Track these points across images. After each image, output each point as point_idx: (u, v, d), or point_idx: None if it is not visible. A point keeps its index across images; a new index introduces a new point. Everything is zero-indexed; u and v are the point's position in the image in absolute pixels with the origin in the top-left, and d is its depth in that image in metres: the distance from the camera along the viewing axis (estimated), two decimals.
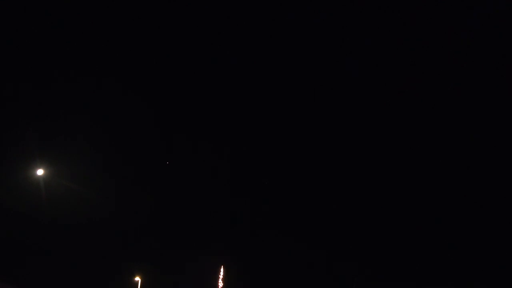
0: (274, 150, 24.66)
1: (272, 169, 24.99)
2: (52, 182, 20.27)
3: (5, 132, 20.08)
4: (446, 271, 22.24)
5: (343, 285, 23.13)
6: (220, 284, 24.31)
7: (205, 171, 24.82)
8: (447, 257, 22.33)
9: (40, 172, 19.77)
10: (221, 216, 24.92)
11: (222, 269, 24.52)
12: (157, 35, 21.59)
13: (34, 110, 20.53)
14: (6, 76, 19.90)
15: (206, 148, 24.51)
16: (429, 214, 23.02)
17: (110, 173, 22.60)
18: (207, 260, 24.25)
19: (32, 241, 20.35)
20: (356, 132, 23.75)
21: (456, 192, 22.41)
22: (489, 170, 21.82)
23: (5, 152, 20.07)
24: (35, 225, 20.24)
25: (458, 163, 22.37)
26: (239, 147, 24.71)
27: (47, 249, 20.70)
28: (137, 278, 23.08)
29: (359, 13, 20.80)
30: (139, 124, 23.18)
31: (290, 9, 20.93)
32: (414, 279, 22.48)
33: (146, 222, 23.72)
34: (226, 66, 22.81)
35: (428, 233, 22.84)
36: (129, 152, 23.47)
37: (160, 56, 22.26)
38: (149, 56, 22.08)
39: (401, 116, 22.83)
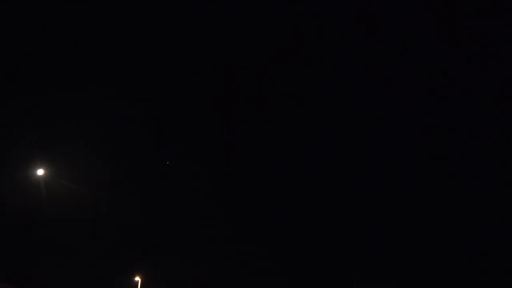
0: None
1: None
2: (52, 182, 20.27)
3: (6, 132, 20.09)
4: (444, 272, 22.26)
5: (343, 285, 23.18)
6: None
7: (203, 171, 24.84)
8: (445, 258, 22.35)
9: (40, 172, 19.77)
10: (220, 216, 24.96)
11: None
12: (152, 40, 21.62)
13: (34, 110, 20.54)
14: (7, 76, 19.91)
15: (204, 149, 24.55)
16: (428, 215, 23.06)
17: (110, 173, 22.63)
18: (206, 260, 24.29)
19: (32, 241, 20.35)
20: None
21: (455, 194, 22.45)
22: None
23: (5, 152, 20.07)
24: (35, 225, 20.24)
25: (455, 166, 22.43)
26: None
27: (47, 249, 20.70)
28: (137, 278, 23.09)
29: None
30: (140, 124, 23.20)
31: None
32: (414, 279, 22.52)
33: (147, 222, 23.74)
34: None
35: (427, 234, 22.87)
36: (130, 152, 23.50)
37: (155, 60, 22.28)
38: (145, 60, 22.11)
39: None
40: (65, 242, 21.07)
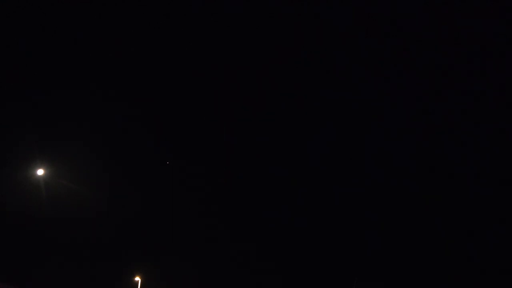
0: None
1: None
2: (52, 182, 20.27)
3: (5, 132, 20.09)
4: (444, 272, 22.26)
5: (343, 285, 23.18)
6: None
7: (203, 171, 24.84)
8: (445, 258, 22.36)
9: (40, 172, 19.77)
10: (220, 216, 24.96)
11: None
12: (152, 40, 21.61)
13: (34, 110, 20.54)
14: (7, 76, 19.91)
15: (204, 149, 24.54)
16: (428, 215, 23.07)
17: (110, 174, 22.63)
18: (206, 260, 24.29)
19: (32, 241, 20.35)
20: None
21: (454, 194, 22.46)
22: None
23: (5, 152, 20.07)
24: (35, 225, 20.24)
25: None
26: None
27: (47, 249, 20.70)
28: (137, 278, 23.09)
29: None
30: (140, 124, 23.20)
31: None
32: (413, 280, 22.52)
33: (147, 222, 23.74)
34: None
35: (427, 234, 22.88)
36: (130, 152, 23.49)
37: (155, 60, 22.26)
38: (145, 60, 22.10)
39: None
40: (65, 242, 21.08)
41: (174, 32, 21.76)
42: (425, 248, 22.76)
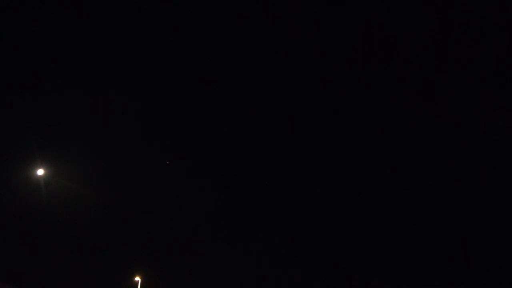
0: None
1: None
2: (52, 182, 20.28)
3: (5, 132, 20.10)
4: (445, 271, 22.26)
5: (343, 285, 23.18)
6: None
7: (203, 171, 24.85)
8: (446, 257, 22.36)
9: (40, 172, 19.78)
10: (220, 216, 24.98)
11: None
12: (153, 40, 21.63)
13: (34, 110, 20.55)
14: (7, 76, 19.93)
15: (204, 149, 24.55)
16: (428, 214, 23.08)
17: (110, 173, 22.63)
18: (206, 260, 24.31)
19: (32, 241, 20.37)
20: None
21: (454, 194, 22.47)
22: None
23: (5, 152, 20.08)
24: (35, 225, 20.25)
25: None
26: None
27: (47, 249, 20.72)
28: (137, 278, 23.09)
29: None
30: (140, 124, 23.22)
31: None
32: (414, 279, 22.53)
33: (147, 222, 23.75)
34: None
35: (427, 234, 22.88)
36: (129, 152, 23.50)
37: (155, 60, 22.27)
38: (145, 60, 22.11)
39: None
40: (65, 242, 21.10)
41: (174, 32, 21.79)
42: (425, 248, 22.77)
